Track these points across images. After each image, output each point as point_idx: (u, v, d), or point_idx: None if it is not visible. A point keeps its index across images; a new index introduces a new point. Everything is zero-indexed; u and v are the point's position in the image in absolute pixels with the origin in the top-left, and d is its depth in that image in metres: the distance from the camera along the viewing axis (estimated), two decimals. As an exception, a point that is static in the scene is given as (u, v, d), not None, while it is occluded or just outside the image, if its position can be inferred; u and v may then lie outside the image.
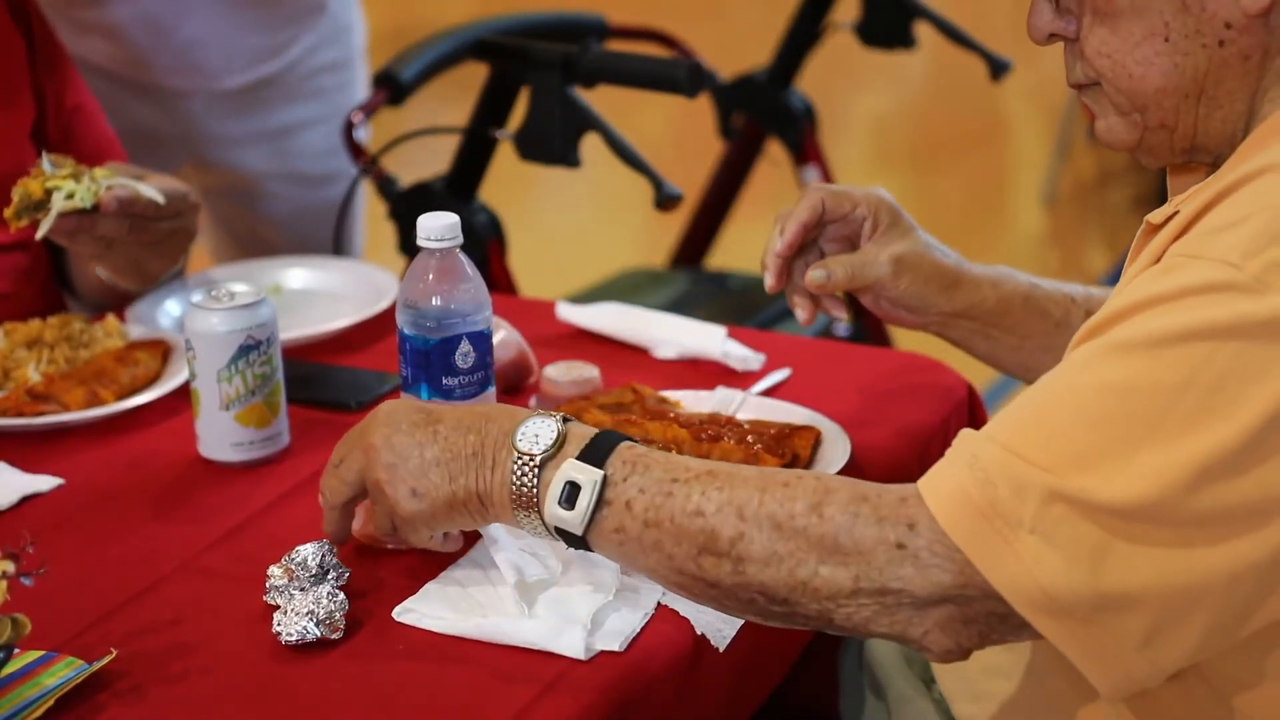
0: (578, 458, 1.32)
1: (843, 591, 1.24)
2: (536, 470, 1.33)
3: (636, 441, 1.35)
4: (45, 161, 1.86)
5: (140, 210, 1.88)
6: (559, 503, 1.32)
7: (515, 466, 1.34)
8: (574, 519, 1.32)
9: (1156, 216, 1.36)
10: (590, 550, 1.34)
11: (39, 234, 1.85)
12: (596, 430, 1.35)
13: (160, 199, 1.89)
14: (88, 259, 2.01)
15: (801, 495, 1.26)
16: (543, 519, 1.34)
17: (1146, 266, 1.28)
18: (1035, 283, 1.71)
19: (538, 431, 1.35)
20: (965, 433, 1.27)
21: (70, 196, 1.84)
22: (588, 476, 1.31)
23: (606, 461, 1.32)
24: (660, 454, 1.33)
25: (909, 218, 1.70)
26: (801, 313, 1.71)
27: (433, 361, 1.60)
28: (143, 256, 1.98)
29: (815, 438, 1.67)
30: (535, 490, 1.33)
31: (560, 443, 1.34)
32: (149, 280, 2.05)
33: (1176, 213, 1.32)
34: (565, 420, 1.36)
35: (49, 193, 1.84)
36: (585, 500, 1.31)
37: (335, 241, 2.53)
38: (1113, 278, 1.51)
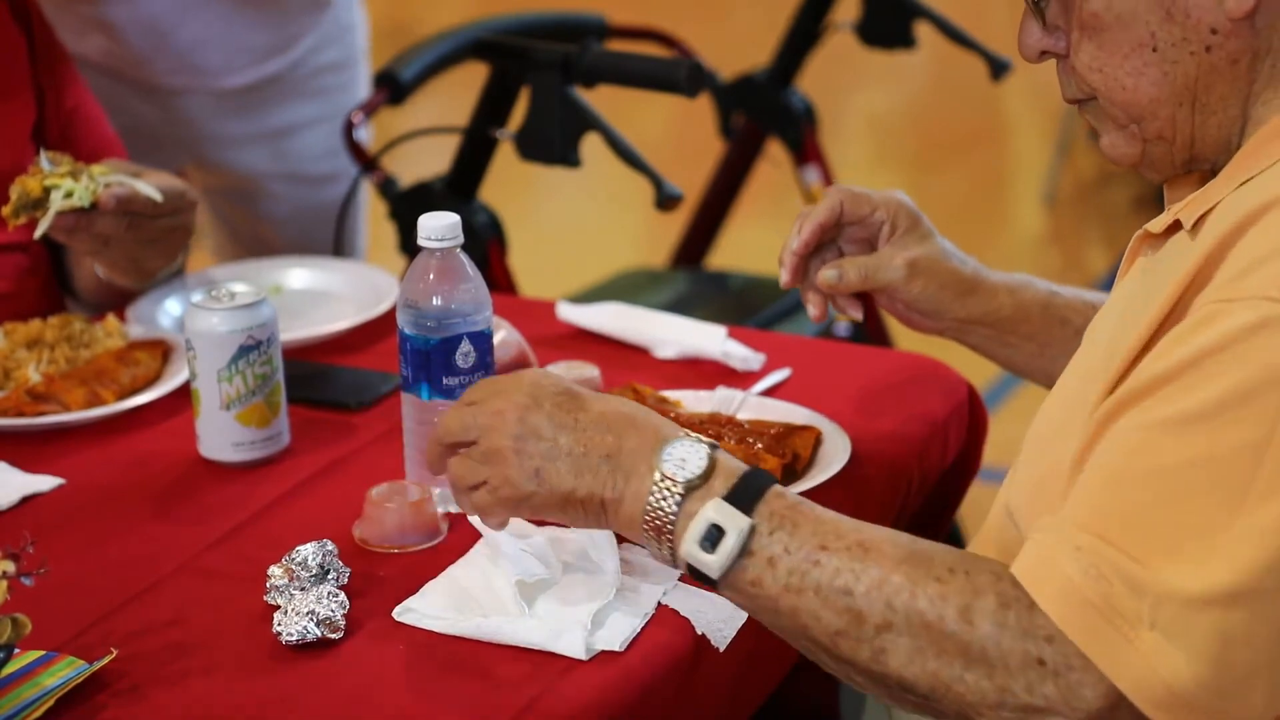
0: (725, 497, 1.29)
1: (987, 702, 1.21)
2: (679, 498, 1.29)
3: (782, 486, 1.31)
4: (43, 159, 1.86)
5: (138, 208, 1.88)
6: (699, 543, 1.28)
7: (656, 488, 1.29)
8: (714, 564, 1.27)
9: (1156, 225, 1.35)
10: (717, 590, 1.31)
11: (37, 233, 1.85)
12: (746, 468, 1.30)
13: (158, 196, 1.89)
14: (86, 256, 2.01)
15: (954, 595, 1.22)
16: (675, 551, 1.30)
17: (1171, 308, 1.24)
18: (1055, 290, 1.70)
19: (684, 455, 1.30)
20: (1051, 521, 1.23)
21: (69, 195, 1.84)
22: (735, 524, 1.27)
23: (755, 509, 1.28)
24: (808, 508, 1.29)
25: (928, 223, 1.70)
26: (813, 309, 1.72)
27: (433, 361, 1.60)
28: (141, 254, 1.98)
29: (815, 438, 1.67)
30: (674, 520, 1.29)
31: (708, 474, 1.29)
32: (147, 277, 2.05)
33: (1176, 221, 1.32)
34: (714, 447, 1.31)
35: (47, 191, 1.84)
36: (728, 547, 1.27)
37: (336, 241, 2.53)
38: (1112, 278, 1.50)
